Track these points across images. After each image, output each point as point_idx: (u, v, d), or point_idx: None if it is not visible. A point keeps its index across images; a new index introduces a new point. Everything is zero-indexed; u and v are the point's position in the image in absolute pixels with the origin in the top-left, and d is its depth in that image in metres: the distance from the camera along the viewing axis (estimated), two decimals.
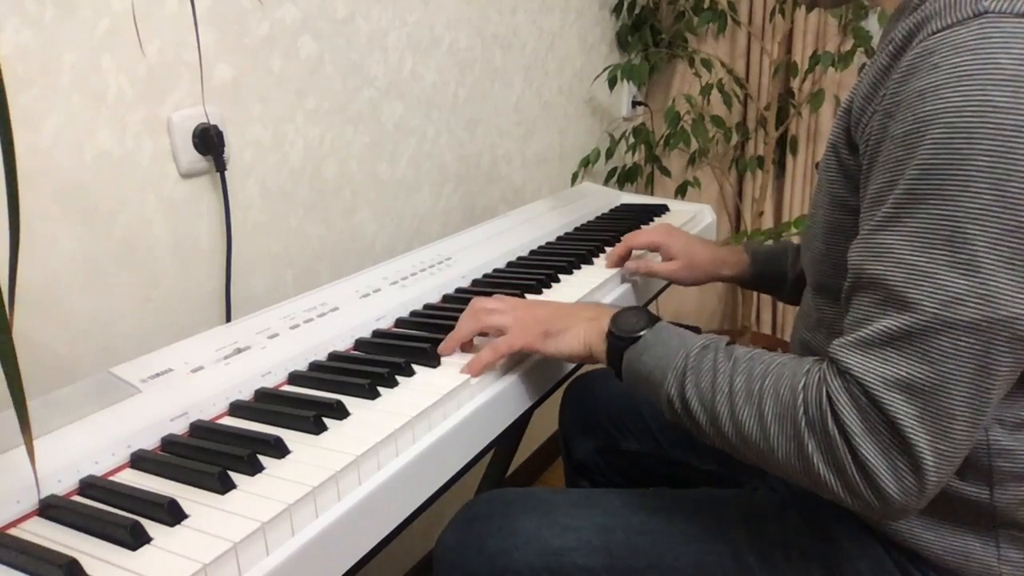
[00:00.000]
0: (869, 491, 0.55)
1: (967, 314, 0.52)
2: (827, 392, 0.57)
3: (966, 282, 0.52)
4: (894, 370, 0.54)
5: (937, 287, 0.53)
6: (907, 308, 0.54)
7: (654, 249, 1.07)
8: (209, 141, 0.96)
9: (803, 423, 0.58)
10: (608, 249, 1.13)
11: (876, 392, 0.54)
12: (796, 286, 1.03)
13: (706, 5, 1.96)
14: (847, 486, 0.56)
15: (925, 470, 0.53)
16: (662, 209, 1.42)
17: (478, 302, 0.80)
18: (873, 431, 0.55)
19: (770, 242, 1.14)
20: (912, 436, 0.53)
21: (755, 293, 2.20)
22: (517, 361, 0.79)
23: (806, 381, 0.59)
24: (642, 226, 1.30)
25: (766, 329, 2.25)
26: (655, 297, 1.19)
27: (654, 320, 0.72)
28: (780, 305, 2.22)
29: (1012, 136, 0.51)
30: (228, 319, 1.03)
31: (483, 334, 0.80)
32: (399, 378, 0.73)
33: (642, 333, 0.70)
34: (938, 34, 0.55)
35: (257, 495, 0.55)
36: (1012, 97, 0.51)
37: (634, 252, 1.08)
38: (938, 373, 0.53)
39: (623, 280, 1.06)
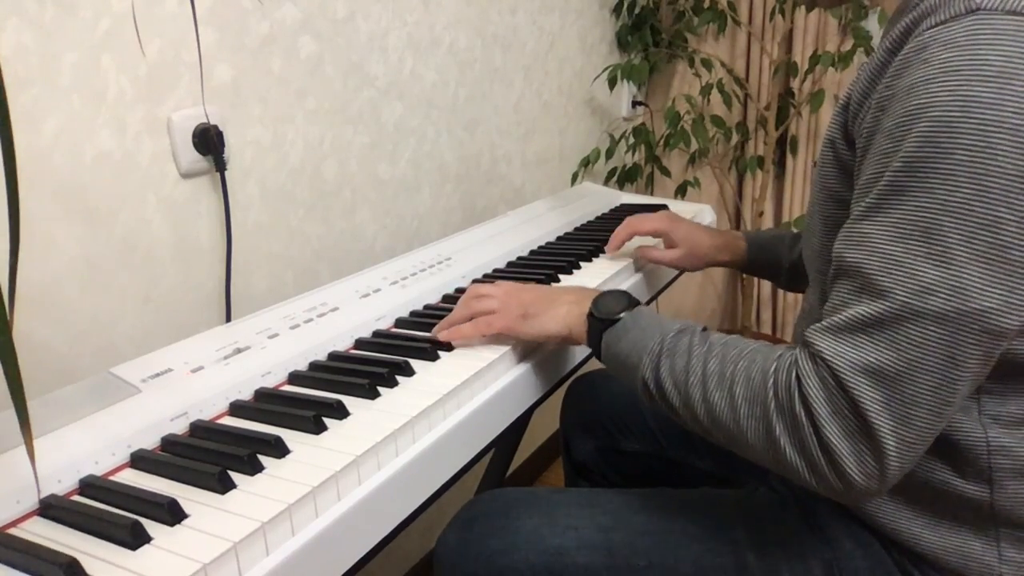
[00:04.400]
0: (832, 473, 0.57)
1: (937, 304, 0.53)
2: (796, 375, 0.58)
3: (938, 273, 0.53)
4: (863, 355, 0.55)
5: (910, 276, 0.54)
6: (880, 296, 0.55)
7: (657, 236, 1.09)
8: (209, 141, 0.96)
9: (772, 405, 0.59)
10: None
11: (844, 376, 0.55)
12: (792, 274, 1.05)
13: (706, 5, 1.96)
14: (812, 468, 0.57)
15: (887, 455, 0.55)
16: (662, 209, 1.42)
17: (474, 288, 0.83)
18: (838, 414, 0.56)
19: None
20: (875, 421, 0.54)
21: (755, 292, 2.21)
22: (518, 360, 0.80)
23: (777, 365, 0.60)
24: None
25: (766, 329, 2.25)
26: (654, 298, 1.19)
27: (634, 304, 0.74)
28: (780, 305, 2.22)
29: (993, 132, 0.51)
30: (228, 319, 1.03)
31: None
32: (399, 378, 0.73)
33: (621, 316, 0.72)
34: (931, 30, 0.56)
35: (257, 495, 0.55)
36: (996, 93, 0.51)
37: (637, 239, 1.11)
38: (905, 361, 0.54)
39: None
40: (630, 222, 1.09)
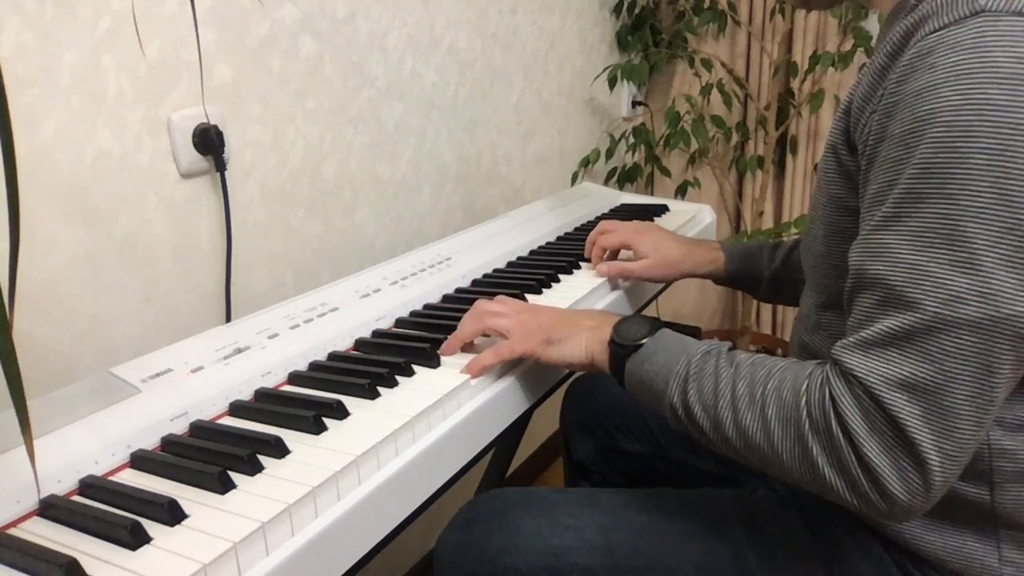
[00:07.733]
0: (875, 492, 0.55)
1: (968, 312, 0.52)
2: (830, 393, 0.57)
3: (967, 280, 0.52)
4: (896, 370, 0.54)
5: (938, 286, 0.53)
6: (908, 307, 0.54)
7: (625, 248, 1.06)
8: (209, 141, 0.96)
9: (807, 426, 0.57)
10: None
11: (879, 392, 0.54)
12: (772, 286, 1.03)
13: (706, 5, 1.96)
14: (852, 488, 0.56)
15: (930, 470, 0.53)
16: (662, 209, 1.42)
17: (482, 304, 0.81)
18: (877, 431, 0.54)
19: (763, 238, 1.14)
20: (916, 435, 0.53)
21: None
22: (517, 362, 0.79)
23: (808, 384, 0.59)
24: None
25: (766, 329, 2.25)
26: (654, 298, 1.19)
27: (656, 328, 0.71)
28: (780, 305, 2.22)
29: (1010, 134, 0.51)
30: (228, 319, 1.03)
31: (485, 335, 0.81)
32: (399, 378, 0.73)
33: (643, 341, 0.70)
34: (935, 33, 0.55)
35: (257, 495, 0.55)
36: (1010, 95, 0.51)
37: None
38: (941, 372, 0.53)
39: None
40: (598, 239, 1.06)
